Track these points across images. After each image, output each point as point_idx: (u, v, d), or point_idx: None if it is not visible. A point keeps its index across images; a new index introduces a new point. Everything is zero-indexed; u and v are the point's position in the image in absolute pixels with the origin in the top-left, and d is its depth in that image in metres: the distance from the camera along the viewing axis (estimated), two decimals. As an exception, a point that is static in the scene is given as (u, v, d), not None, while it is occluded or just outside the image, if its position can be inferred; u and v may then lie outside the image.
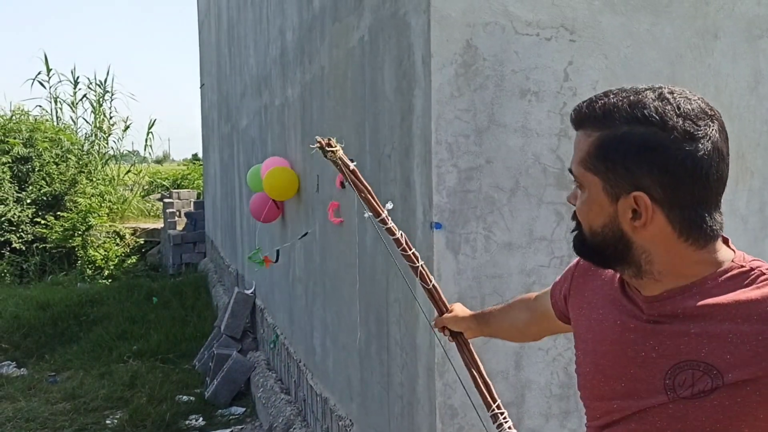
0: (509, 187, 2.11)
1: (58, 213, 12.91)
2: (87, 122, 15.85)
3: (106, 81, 15.95)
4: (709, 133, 0.94)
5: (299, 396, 4.13)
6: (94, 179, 14.38)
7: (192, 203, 13.86)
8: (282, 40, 4.36)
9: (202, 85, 11.53)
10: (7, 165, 12.86)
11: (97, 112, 15.72)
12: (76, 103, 15.76)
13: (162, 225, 14.75)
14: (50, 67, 15.37)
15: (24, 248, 12.48)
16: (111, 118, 16.13)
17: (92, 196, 13.63)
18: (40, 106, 15.57)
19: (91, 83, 15.84)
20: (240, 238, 7.07)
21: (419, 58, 2.11)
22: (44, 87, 15.54)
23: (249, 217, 6.36)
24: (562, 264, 2.15)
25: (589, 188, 1.02)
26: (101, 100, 15.84)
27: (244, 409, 4.98)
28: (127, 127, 16.35)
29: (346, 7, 2.90)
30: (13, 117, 13.97)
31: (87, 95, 15.80)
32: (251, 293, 6.01)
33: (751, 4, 2.32)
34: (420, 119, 2.12)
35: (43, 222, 12.70)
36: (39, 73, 15.50)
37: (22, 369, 6.27)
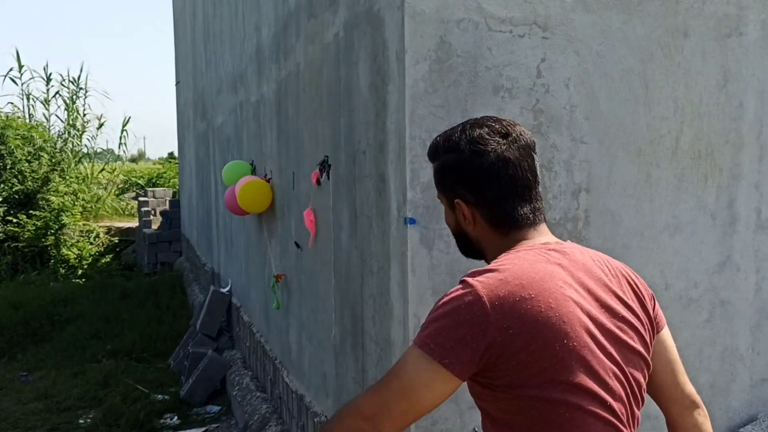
0: (483, 182, 2.11)
1: (30, 211, 12.72)
2: (60, 120, 15.65)
3: (79, 78, 15.75)
4: (492, 148, 1.26)
5: (275, 393, 4.12)
6: (68, 177, 14.19)
7: (167, 202, 13.74)
8: (258, 36, 4.34)
9: (177, 83, 11.43)
10: (-22, 163, 12.65)
11: (70, 109, 15.52)
12: (49, 100, 15.56)
13: (137, 224, 14.60)
14: (22, 64, 15.13)
15: (-5, 247, 12.29)
16: (85, 115, 15.94)
17: (65, 194, 13.46)
18: (12, 103, 15.32)
19: (64, 80, 15.66)
20: (216, 237, 7.03)
21: (393, 54, 2.12)
22: (16, 84, 15.30)
23: (225, 216, 6.32)
24: (535, 259, 2.16)
25: (443, 204, 1.39)
26: (74, 97, 15.65)
27: (219, 408, 4.95)
28: (101, 125, 16.17)
29: (321, 4, 2.89)
30: (-16, 114, 13.74)
31: (60, 92, 15.60)
32: (227, 292, 5.98)
33: (720, 3, 2.36)
34: (394, 115, 2.13)
35: (14, 220, 12.51)
36: (11, 70, 15.28)
37: None
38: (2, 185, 12.81)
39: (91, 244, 13.59)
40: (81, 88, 15.79)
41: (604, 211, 2.24)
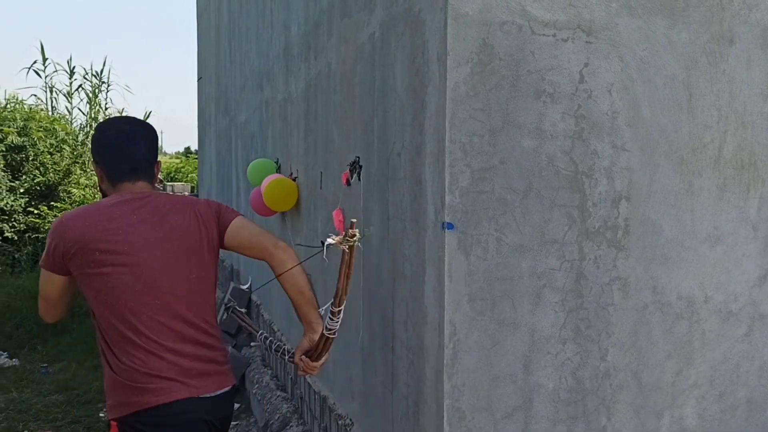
0: (522, 188, 2.08)
1: (52, 203, 12.82)
2: (82, 113, 15.74)
3: (102, 72, 15.79)
4: (103, 137, 2.29)
5: (296, 393, 4.10)
6: (88, 170, 14.29)
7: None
8: (286, 34, 4.33)
9: (199, 78, 11.46)
10: (0, 153, 12.75)
11: (92, 102, 15.60)
12: (72, 94, 15.64)
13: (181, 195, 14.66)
14: (46, 57, 15.24)
15: (16, 238, 12.39)
16: (106, 109, 16.02)
17: (86, 186, 13.55)
18: (35, 96, 15.38)
19: (87, 74, 15.72)
20: (236, 233, 7.02)
21: (434, 56, 2.09)
22: (40, 76, 15.38)
23: (246, 212, 6.31)
24: (572, 268, 2.13)
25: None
26: (97, 90, 15.72)
27: (238, 405, 4.94)
28: (122, 119, 16.21)
29: (356, 3, 2.87)
30: (8, 105, 13.85)
31: (83, 86, 15.68)
32: (247, 288, 5.98)
33: (766, 11, 2.31)
34: (433, 117, 2.10)
35: (36, 212, 12.61)
36: (35, 62, 15.34)
37: (14, 360, 6.21)
38: (24, 177, 12.91)
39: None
40: (103, 82, 15.88)
41: (644, 220, 2.20)
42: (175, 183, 14.89)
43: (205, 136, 10.77)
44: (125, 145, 2.23)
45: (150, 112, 17.74)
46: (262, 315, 5.30)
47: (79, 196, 12.90)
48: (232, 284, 6.13)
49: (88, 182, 13.68)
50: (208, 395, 2.18)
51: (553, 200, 2.11)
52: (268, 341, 2.68)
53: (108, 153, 2.24)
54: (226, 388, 2.26)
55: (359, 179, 2.85)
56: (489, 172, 2.06)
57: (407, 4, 2.30)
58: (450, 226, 2.03)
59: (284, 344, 2.61)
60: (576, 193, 2.12)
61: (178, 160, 27.38)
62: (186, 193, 13.98)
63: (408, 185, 2.32)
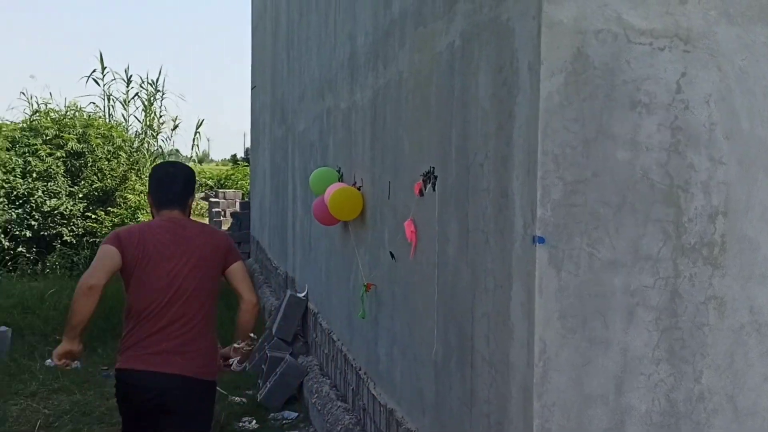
0: (615, 202, 2.01)
1: (109, 208, 13.12)
2: (138, 120, 16.12)
3: (157, 81, 16.17)
4: (154, 175, 3.18)
5: (358, 405, 4.07)
6: (143, 176, 14.59)
7: (237, 204, 13.96)
8: (351, 44, 4.32)
9: (253, 87, 11.61)
10: (61, 159, 13.12)
11: (147, 110, 15.96)
12: (128, 101, 16.04)
13: (207, 222, 14.89)
14: (105, 66, 15.66)
15: (75, 241, 12.70)
16: (161, 117, 16.38)
17: (141, 192, 13.83)
18: (94, 103, 15.82)
19: (143, 82, 16.11)
20: (291, 241, 7.06)
21: (524, 65, 2.03)
22: (98, 84, 15.84)
23: (303, 221, 6.34)
24: (667, 285, 2.04)
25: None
26: (152, 99, 16.09)
27: (297, 414, 4.94)
28: (176, 126, 16.58)
29: (432, 12, 2.83)
30: (68, 113, 14.25)
31: (139, 94, 16.06)
32: (304, 297, 5.98)
33: None
34: (523, 128, 2.04)
35: (93, 216, 12.92)
36: (94, 71, 15.82)
37: (75, 361, 6.31)
38: (83, 182, 13.25)
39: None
40: (158, 91, 16.25)
41: (741, 237, 2.10)
42: (226, 190, 15.08)
43: (258, 144, 10.89)
44: (167, 183, 3.09)
45: (203, 120, 18.15)
46: (320, 324, 5.29)
47: (135, 202, 13.18)
48: (289, 292, 6.14)
49: (143, 188, 13.96)
50: (163, 372, 2.91)
51: (648, 215, 2.03)
52: None
53: (155, 188, 3.12)
54: (188, 375, 2.94)
55: (434, 190, 2.81)
56: (581, 185, 1.99)
57: (493, 13, 2.25)
58: (541, 240, 1.97)
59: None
60: (671, 208, 2.04)
61: (226, 168, 27.77)
62: (237, 201, 14.17)
63: (492, 197, 2.27)
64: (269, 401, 5.07)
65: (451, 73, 2.63)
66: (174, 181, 3.08)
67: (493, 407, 2.26)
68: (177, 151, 21.20)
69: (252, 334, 3.19)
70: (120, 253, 2.89)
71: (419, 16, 3.00)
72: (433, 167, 2.83)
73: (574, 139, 1.98)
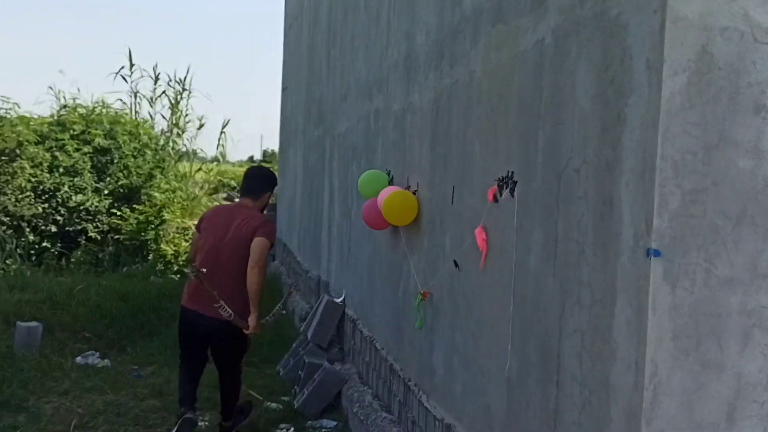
0: (735, 214, 1.86)
1: (134, 206, 13.07)
2: (164, 118, 16.08)
3: (185, 79, 16.12)
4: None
5: (406, 417, 3.91)
6: (168, 175, 14.54)
7: (263, 205, 13.82)
8: (408, 43, 4.19)
9: (284, 89, 11.52)
10: (88, 155, 13.09)
11: (174, 109, 15.93)
12: (155, 99, 16.01)
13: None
14: (133, 63, 15.65)
15: (99, 238, 12.66)
16: (187, 115, 16.34)
17: (166, 191, 13.78)
18: (121, 100, 15.83)
19: (171, 80, 16.08)
20: (326, 245, 6.93)
21: (640, 63, 1.88)
22: (126, 81, 15.81)
23: (340, 224, 6.21)
24: (787, 306, 1.88)
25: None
26: (179, 97, 16.05)
27: (336, 423, 4.80)
28: (201, 125, 16.53)
29: (515, 9, 2.69)
30: (95, 109, 14.24)
31: (166, 92, 16.03)
32: (341, 302, 5.84)
33: None
34: (636, 131, 1.89)
35: (118, 213, 12.87)
36: (122, 68, 15.79)
37: (105, 360, 6.23)
38: (109, 179, 13.21)
39: (186, 241, 13.84)
40: (185, 89, 16.20)
41: None
42: (252, 191, 14.98)
43: (289, 146, 10.79)
44: (248, 179, 4.64)
45: (228, 120, 18.09)
46: (361, 331, 5.15)
47: (161, 200, 13.12)
48: (326, 297, 6.00)
49: (168, 186, 13.92)
50: (205, 314, 4.25)
51: (770, 229, 1.87)
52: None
53: (242, 181, 4.65)
54: (219, 317, 4.21)
55: (512, 195, 2.66)
56: (701, 195, 1.83)
57: (599, 8, 2.11)
58: (656, 253, 1.81)
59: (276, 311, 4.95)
60: (795, 222, 1.88)
61: (240, 168, 27.68)
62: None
63: (590, 205, 2.12)
64: (307, 408, 4.93)
65: (539, 73, 2.49)
66: (253, 179, 4.60)
67: (585, 431, 2.11)
68: (195, 150, 21.22)
69: (282, 309, 4.95)
70: (197, 227, 4.59)
71: (498, 12, 2.86)
72: (512, 171, 2.68)
73: (695, 145, 1.82)
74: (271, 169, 5.14)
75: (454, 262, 3.24)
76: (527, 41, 2.59)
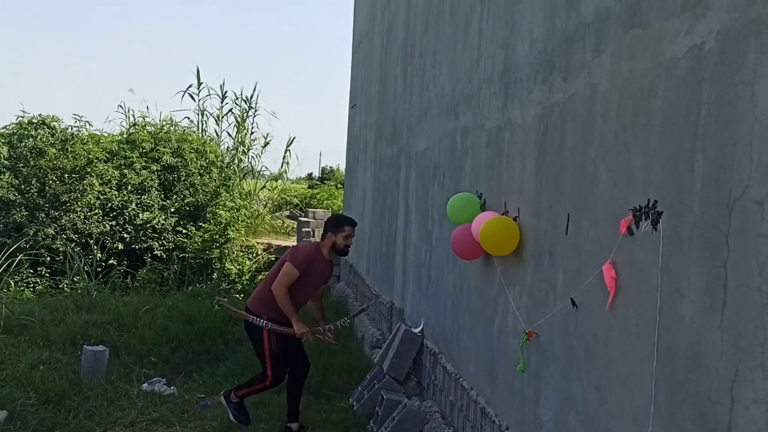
0: None
1: (199, 224, 13.02)
2: (230, 136, 16.11)
3: (251, 98, 16.14)
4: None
5: (503, 470, 3.50)
6: (232, 192, 14.51)
7: (328, 224, 13.60)
8: (506, 54, 3.82)
9: (353, 106, 11.29)
10: (156, 173, 13.13)
11: (240, 127, 15.94)
12: (222, 117, 16.06)
13: (294, 243, 14.65)
14: (201, 81, 15.75)
15: (165, 256, 12.64)
16: (252, 133, 16.34)
17: (231, 209, 13.72)
18: (188, 118, 15.96)
19: (237, 98, 16.12)
20: (401, 269, 6.57)
21: None
22: (194, 99, 15.94)
23: (417, 248, 5.85)
24: None
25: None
26: (245, 115, 16.07)
27: (417, 468, 4.41)
28: (266, 143, 16.51)
29: (659, 10, 2.29)
30: (164, 127, 14.34)
31: (232, 110, 16.07)
32: (419, 332, 5.47)
33: None
34: None
35: (184, 231, 12.84)
36: (190, 86, 15.94)
37: (171, 387, 6.00)
38: (175, 196, 13.23)
39: (250, 260, 13.74)
40: (251, 107, 16.22)
41: None
42: (316, 209, 14.80)
43: (357, 164, 10.52)
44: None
45: (293, 138, 18.06)
46: (444, 366, 4.75)
47: (226, 218, 13.04)
48: (403, 327, 5.63)
49: (233, 204, 13.85)
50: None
51: None
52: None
53: None
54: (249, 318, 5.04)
55: (655, 229, 2.25)
56: None
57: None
58: None
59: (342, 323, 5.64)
60: None
61: (301, 186, 27.74)
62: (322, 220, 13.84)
63: (783, 246, 1.69)
64: (385, 449, 4.56)
65: (696, 84, 2.08)
66: (326, 225, 5.42)
67: None
68: (265, 167, 21.25)
69: (332, 325, 5.43)
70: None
71: (633, 15, 2.46)
72: (654, 200, 2.27)
73: None
74: (337, 213, 6.44)
75: (572, 300, 2.83)
76: (677, 47, 2.18)
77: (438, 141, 5.32)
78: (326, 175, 41.12)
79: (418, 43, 6.24)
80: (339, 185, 26.70)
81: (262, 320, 4.91)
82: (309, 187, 25.62)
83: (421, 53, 6.10)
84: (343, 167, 18.35)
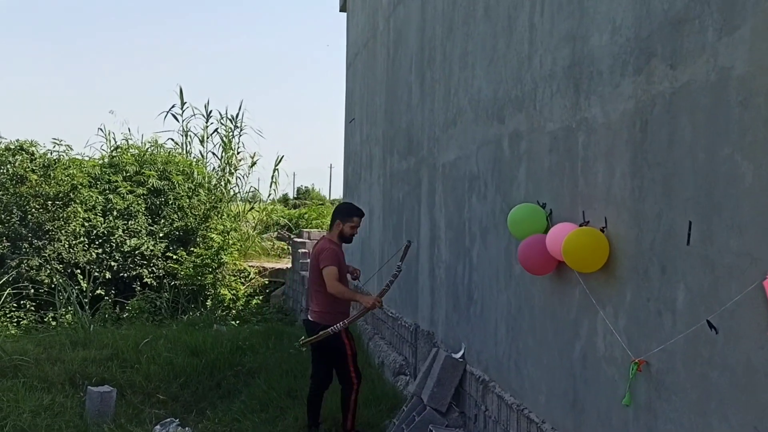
0: None
1: (190, 248, 12.46)
2: (216, 156, 15.59)
3: (237, 116, 15.64)
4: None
5: None
6: (223, 215, 13.97)
7: (325, 244, 13.11)
8: (574, 47, 3.43)
9: (351, 121, 10.87)
10: (142, 197, 12.57)
11: (226, 146, 15.43)
12: (207, 138, 15.54)
13: (288, 265, 14.12)
14: (185, 101, 15.24)
15: (155, 283, 12.04)
16: (239, 153, 15.84)
17: (222, 232, 13.18)
18: (172, 139, 15.37)
19: (222, 118, 15.62)
20: (427, 290, 6.13)
21: None
22: (177, 120, 15.40)
23: (451, 266, 5.42)
24: None
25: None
26: (231, 135, 15.57)
27: None
28: (254, 163, 16.00)
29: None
30: (148, 149, 13.78)
31: (218, 130, 15.56)
32: (460, 358, 5.02)
33: None
34: None
35: (174, 257, 12.26)
36: (173, 106, 15.43)
37: (186, 429, 5.46)
38: (163, 221, 12.65)
39: (243, 284, 13.20)
40: (237, 126, 15.72)
41: None
42: (311, 230, 14.30)
43: (360, 180, 10.07)
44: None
45: (282, 157, 17.55)
46: (500, 396, 4.30)
47: (219, 241, 12.49)
48: (443, 354, 5.17)
49: (224, 227, 13.32)
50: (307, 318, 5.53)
51: None
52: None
53: None
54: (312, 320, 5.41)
55: None
56: None
57: None
58: None
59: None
60: None
61: (281, 207, 27.19)
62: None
63: None
64: (441, 493, 4.08)
65: None
66: (333, 213, 5.72)
67: None
68: (255, 188, 20.68)
69: (388, 281, 5.71)
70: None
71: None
72: None
73: None
74: (346, 202, 6.65)
75: (708, 323, 2.40)
76: None
77: (475, 149, 4.90)
78: (302, 195, 40.60)
79: (440, 47, 5.85)
80: (319, 204, 26.12)
81: (337, 326, 5.14)
82: (294, 207, 25.05)
83: (445, 57, 5.70)
84: (318, 187, 17.91)
